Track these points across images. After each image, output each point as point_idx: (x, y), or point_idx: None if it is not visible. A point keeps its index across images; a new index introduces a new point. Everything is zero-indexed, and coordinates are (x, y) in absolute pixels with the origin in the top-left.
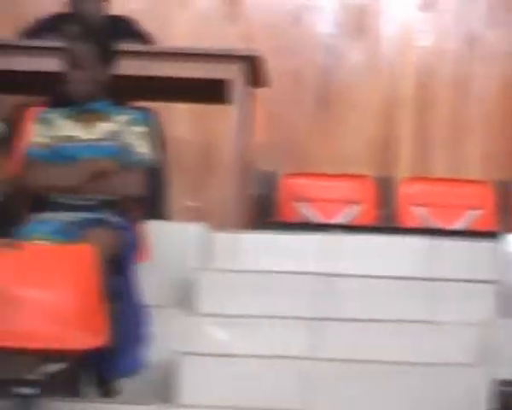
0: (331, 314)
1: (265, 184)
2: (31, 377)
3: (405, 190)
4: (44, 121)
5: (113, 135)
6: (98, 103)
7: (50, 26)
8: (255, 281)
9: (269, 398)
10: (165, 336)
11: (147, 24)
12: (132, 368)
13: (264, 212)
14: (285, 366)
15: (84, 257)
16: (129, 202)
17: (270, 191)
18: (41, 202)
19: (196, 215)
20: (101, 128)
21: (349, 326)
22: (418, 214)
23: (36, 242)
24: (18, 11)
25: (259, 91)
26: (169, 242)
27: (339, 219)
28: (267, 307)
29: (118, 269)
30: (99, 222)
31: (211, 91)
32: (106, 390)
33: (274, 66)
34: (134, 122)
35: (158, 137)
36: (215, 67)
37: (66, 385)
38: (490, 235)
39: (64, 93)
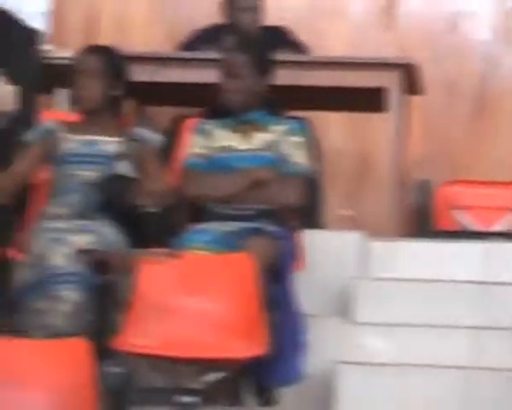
0: (491, 323)
1: (421, 192)
2: (192, 385)
3: None
4: (202, 132)
5: (271, 145)
6: (255, 114)
7: (207, 37)
8: (412, 289)
9: (428, 407)
10: (322, 345)
11: (301, 34)
12: (291, 377)
13: (421, 220)
14: (444, 375)
15: (243, 266)
16: (286, 211)
17: (426, 200)
18: (199, 212)
19: (352, 224)
20: (259, 138)
21: (510, 335)
22: None
23: (195, 251)
24: (173, 21)
25: (415, 100)
26: (325, 251)
27: (497, 226)
28: (425, 315)
29: (276, 278)
30: (257, 231)
31: (366, 100)
32: (265, 399)
33: (429, 74)
34: (291, 132)
35: (314, 147)
36: (371, 76)
37: (227, 394)
38: None
39: (221, 104)
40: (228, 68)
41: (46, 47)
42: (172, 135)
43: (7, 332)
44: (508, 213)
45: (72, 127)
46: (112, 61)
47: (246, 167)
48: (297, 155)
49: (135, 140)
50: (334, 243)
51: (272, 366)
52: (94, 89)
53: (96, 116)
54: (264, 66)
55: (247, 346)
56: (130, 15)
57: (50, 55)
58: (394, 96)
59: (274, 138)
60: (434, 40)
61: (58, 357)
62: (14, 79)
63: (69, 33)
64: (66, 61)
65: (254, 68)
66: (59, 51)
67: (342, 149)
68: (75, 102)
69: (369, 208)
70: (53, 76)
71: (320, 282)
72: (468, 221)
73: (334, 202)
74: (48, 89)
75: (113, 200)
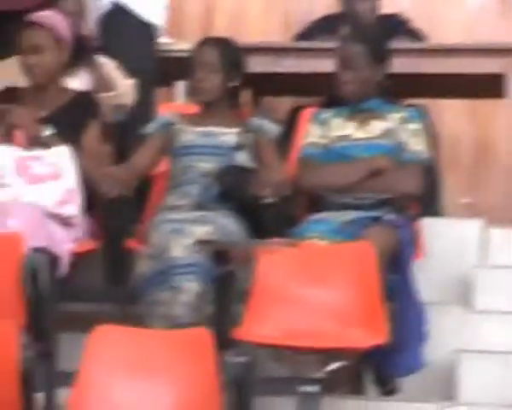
0: None
1: None
2: (313, 375)
3: None
4: (319, 122)
5: (388, 133)
6: (372, 102)
7: (324, 27)
8: None
9: None
10: (443, 333)
11: (417, 21)
12: (412, 366)
13: None
14: None
15: (363, 256)
16: (405, 199)
17: None
18: (318, 201)
19: (472, 212)
20: (376, 127)
21: None
22: None
23: (313, 241)
24: (289, 12)
25: None
26: (445, 239)
27: None
28: None
29: (396, 267)
30: (376, 220)
31: (484, 86)
32: (386, 388)
33: None
34: (408, 119)
35: (430, 134)
36: (489, 62)
37: (348, 383)
38: None
39: (338, 93)
40: (343, 59)
41: (165, 40)
42: (290, 125)
43: (129, 323)
44: None
45: (191, 119)
46: (229, 52)
47: (364, 156)
48: (415, 143)
49: (252, 131)
50: (453, 231)
51: (393, 355)
52: (212, 81)
53: (214, 108)
54: (381, 55)
55: (368, 335)
56: (245, 7)
57: (169, 48)
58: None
59: (391, 126)
60: None
61: (182, 348)
62: (132, 72)
63: (187, 26)
64: (184, 54)
65: (370, 58)
66: (177, 44)
67: (460, 135)
68: (193, 93)
69: (489, 195)
70: (172, 69)
71: (440, 270)
72: None
73: (452, 190)
74: (167, 81)
75: (231, 191)
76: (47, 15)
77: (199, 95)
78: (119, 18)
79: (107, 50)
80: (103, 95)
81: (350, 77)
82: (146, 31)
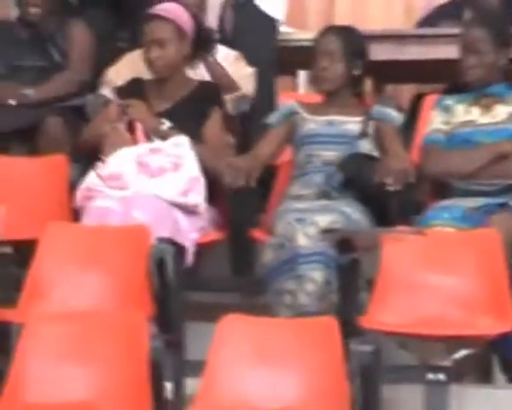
0: None
1: None
2: (441, 363)
3: None
4: (443, 108)
5: None
6: (496, 87)
7: (447, 12)
8: None
9: None
10: None
11: None
12: None
13: None
14: None
15: (489, 242)
16: None
17: None
18: (442, 188)
19: None
20: (500, 111)
21: None
22: None
23: (439, 228)
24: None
25: None
26: None
27: None
28: None
29: None
30: (502, 207)
31: None
32: None
33: None
34: None
35: None
36: None
37: (476, 371)
38: None
39: (461, 79)
40: (467, 44)
41: (286, 30)
42: (413, 112)
43: (255, 313)
44: None
45: (313, 108)
46: (351, 40)
47: (488, 142)
48: None
49: (376, 119)
50: None
51: None
52: (335, 69)
53: (336, 96)
54: (505, 39)
55: (495, 322)
56: None
57: (291, 37)
58: None
59: None
60: None
61: (309, 336)
62: (254, 63)
63: (309, 16)
64: (307, 43)
65: (494, 42)
66: (299, 34)
67: None
68: (316, 82)
69: None
70: (294, 58)
71: None
72: None
73: None
74: (289, 71)
75: (355, 179)
76: (169, 8)
77: (322, 84)
78: (242, 11)
79: (229, 42)
80: (226, 97)
81: (474, 62)
82: (267, 23)
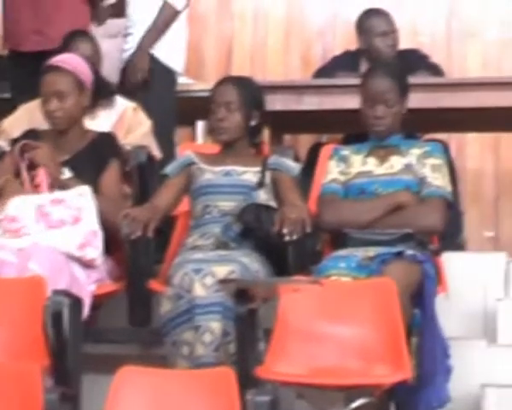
0: None
1: None
2: None
3: None
4: (340, 158)
5: (409, 168)
6: (393, 138)
7: (344, 63)
8: None
9: None
10: (467, 368)
11: (436, 57)
12: (437, 402)
13: None
14: None
15: (385, 292)
16: (427, 234)
17: None
18: (340, 238)
19: (495, 245)
20: (396, 162)
21: None
22: None
23: (336, 278)
24: (307, 49)
25: None
26: (467, 273)
27: None
28: None
29: (419, 302)
30: (399, 256)
31: (505, 120)
32: None
33: None
34: (428, 154)
35: (451, 169)
36: (509, 95)
37: None
38: None
39: (368, 130)
40: (374, 95)
41: (185, 81)
42: (311, 162)
43: (153, 364)
44: None
45: (211, 158)
46: (249, 91)
47: (385, 192)
48: (435, 178)
49: (273, 169)
50: (475, 265)
51: (418, 391)
52: (232, 120)
53: (234, 147)
54: (405, 90)
55: (392, 371)
56: (264, 46)
57: (189, 88)
58: None
59: (412, 162)
60: None
61: (206, 387)
62: (152, 113)
63: (206, 67)
64: (204, 94)
65: (398, 93)
66: (197, 84)
67: (483, 169)
68: (214, 133)
69: (511, 229)
70: (192, 109)
71: (463, 304)
72: None
73: (475, 224)
74: (187, 122)
75: (253, 229)
76: (68, 59)
77: (219, 134)
78: None
79: (128, 93)
80: (119, 137)
81: (382, 113)
82: (167, 75)
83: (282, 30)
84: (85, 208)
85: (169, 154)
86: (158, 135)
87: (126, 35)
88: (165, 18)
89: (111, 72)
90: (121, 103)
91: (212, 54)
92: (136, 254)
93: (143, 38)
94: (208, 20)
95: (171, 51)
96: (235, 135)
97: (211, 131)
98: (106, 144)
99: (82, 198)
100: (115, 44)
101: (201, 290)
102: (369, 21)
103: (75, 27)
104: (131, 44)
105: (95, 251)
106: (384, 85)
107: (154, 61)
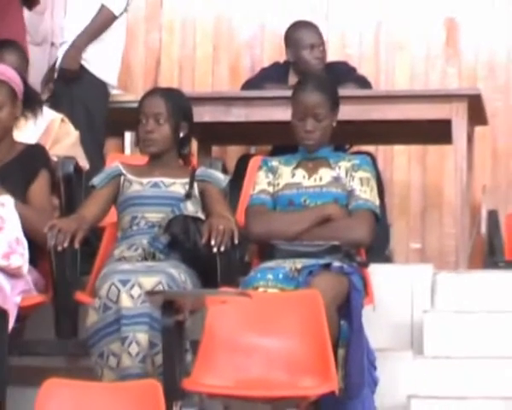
0: None
1: (490, 223)
2: None
3: None
4: (268, 169)
5: (337, 181)
6: (321, 150)
7: (272, 75)
8: (481, 322)
9: None
10: (393, 379)
11: (364, 69)
12: None
13: (489, 251)
14: None
15: (312, 303)
16: (354, 246)
17: (494, 231)
18: (268, 249)
19: (420, 257)
20: (325, 174)
21: None
22: None
23: (263, 289)
24: (236, 60)
25: (480, 130)
26: (394, 284)
27: None
28: (495, 348)
29: (346, 314)
30: (325, 268)
31: (432, 132)
32: None
33: (495, 104)
34: (357, 167)
35: (379, 182)
36: (436, 108)
37: None
38: None
39: (289, 141)
40: (304, 109)
41: (114, 92)
42: (239, 173)
43: (80, 376)
44: None
45: (139, 170)
46: (177, 102)
47: (313, 204)
48: (364, 191)
49: (201, 180)
50: (402, 277)
51: (344, 403)
52: (160, 131)
53: (162, 158)
54: (336, 103)
55: (318, 383)
56: (193, 57)
57: (118, 99)
58: (459, 127)
59: (340, 174)
60: (497, 70)
61: (131, 400)
62: (81, 124)
63: (135, 77)
64: (132, 105)
65: (329, 107)
66: (126, 95)
67: (410, 181)
68: (143, 145)
69: (437, 240)
70: (120, 120)
71: (389, 316)
72: None
73: (402, 236)
74: (117, 132)
75: (180, 240)
76: (2, 70)
77: (148, 146)
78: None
79: (56, 103)
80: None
81: (312, 126)
82: (100, 87)
83: (210, 41)
84: (7, 218)
85: (97, 165)
86: (86, 146)
87: (61, 44)
88: (101, 21)
89: (37, 80)
90: (48, 114)
91: (140, 64)
92: (63, 266)
93: (77, 38)
94: (136, 31)
95: (105, 64)
96: (163, 147)
97: (139, 143)
98: (35, 155)
99: (3, 208)
100: (41, 52)
101: (128, 301)
102: (297, 34)
103: (9, 36)
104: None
105: (20, 259)
106: (314, 100)
107: (87, 72)
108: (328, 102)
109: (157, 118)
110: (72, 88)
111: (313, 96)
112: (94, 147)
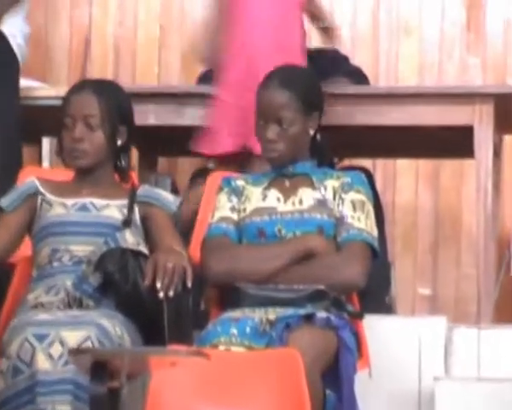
0: None
1: None
2: None
3: None
4: (232, 190)
5: (322, 204)
6: (301, 165)
7: None
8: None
9: None
10: None
11: (359, 59)
12: None
13: None
14: None
15: (287, 366)
16: (345, 291)
17: None
18: (230, 294)
19: (430, 306)
20: (306, 196)
21: None
22: None
23: (224, 347)
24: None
25: (510, 139)
26: (396, 342)
27: None
28: None
29: (333, 379)
30: (305, 319)
31: (447, 142)
32: None
33: None
34: (348, 187)
35: (375, 206)
36: (454, 111)
37: None
38: None
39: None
40: (266, 110)
41: (27, 83)
42: (192, 194)
43: None
44: None
45: (62, 188)
46: (114, 100)
47: (291, 234)
48: (357, 218)
49: (144, 203)
50: (407, 332)
51: None
52: (94, 140)
53: (93, 172)
54: (314, 103)
55: None
56: (131, 37)
57: (33, 94)
58: (483, 135)
59: (326, 196)
60: None
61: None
62: None
63: (56, 63)
64: (53, 102)
65: (301, 108)
66: (45, 89)
67: (418, 206)
68: (67, 156)
69: (452, 284)
70: (38, 122)
71: (390, 384)
72: None
73: (407, 277)
74: (33, 138)
75: (115, 281)
76: None
77: (76, 158)
78: None
79: None
80: None
81: (276, 133)
82: (8, 63)
83: (157, 18)
84: None
85: (7, 181)
86: None
87: None
88: None
89: None
90: None
91: (63, 48)
92: None
93: None
94: (58, 3)
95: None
96: (96, 159)
97: (62, 153)
98: None
99: None
100: None
101: (46, 363)
102: None
103: None
104: None
105: None
106: (279, 99)
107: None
108: (299, 101)
109: (88, 121)
110: None
111: (276, 95)
112: (5, 155)
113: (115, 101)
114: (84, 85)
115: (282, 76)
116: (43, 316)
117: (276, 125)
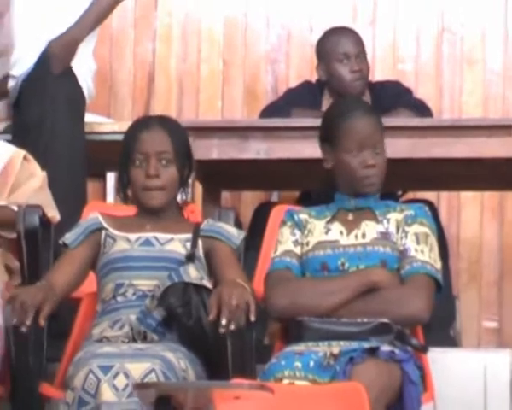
0: None
1: None
2: None
3: None
4: (295, 224)
5: (386, 238)
6: (362, 199)
7: (300, 99)
8: None
9: None
10: None
11: (423, 90)
12: None
13: None
14: None
15: (352, 400)
16: (409, 324)
17: None
18: (293, 328)
19: (497, 339)
20: (370, 229)
21: None
22: None
23: (289, 381)
24: (252, 80)
25: None
26: (461, 376)
27: None
28: None
29: None
30: (369, 353)
31: (509, 174)
32: None
33: None
34: (411, 220)
35: (439, 239)
36: None
37: None
38: None
39: (358, 190)
40: (359, 139)
41: (92, 118)
42: (257, 228)
43: None
44: None
45: (125, 223)
46: (181, 136)
47: (354, 268)
48: (421, 251)
49: (207, 237)
50: (472, 366)
51: None
52: (168, 176)
53: (161, 208)
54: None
55: None
56: (195, 71)
57: (98, 129)
58: None
59: (389, 229)
60: None
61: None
62: (52, 161)
63: (119, 100)
64: (120, 137)
65: (383, 137)
66: (109, 124)
67: (483, 239)
68: (142, 194)
69: None
70: (103, 156)
71: None
72: None
73: (471, 310)
74: (97, 172)
75: (179, 316)
76: None
77: (151, 198)
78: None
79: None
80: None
81: (374, 159)
82: (77, 101)
83: (220, 53)
84: None
85: (71, 215)
86: (57, 188)
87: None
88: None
89: None
90: (6, 150)
91: (127, 83)
92: (24, 350)
93: (69, 28)
94: (123, 39)
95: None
96: (170, 196)
97: (124, 190)
98: None
99: None
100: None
101: (111, 395)
102: (329, 42)
103: None
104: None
105: None
106: (371, 126)
107: (72, 76)
108: (382, 131)
109: (161, 158)
110: (44, 100)
111: (369, 122)
112: (68, 190)
113: (182, 136)
114: (151, 122)
115: (360, 102)
116: (107, 349)
117: (372, 152)
